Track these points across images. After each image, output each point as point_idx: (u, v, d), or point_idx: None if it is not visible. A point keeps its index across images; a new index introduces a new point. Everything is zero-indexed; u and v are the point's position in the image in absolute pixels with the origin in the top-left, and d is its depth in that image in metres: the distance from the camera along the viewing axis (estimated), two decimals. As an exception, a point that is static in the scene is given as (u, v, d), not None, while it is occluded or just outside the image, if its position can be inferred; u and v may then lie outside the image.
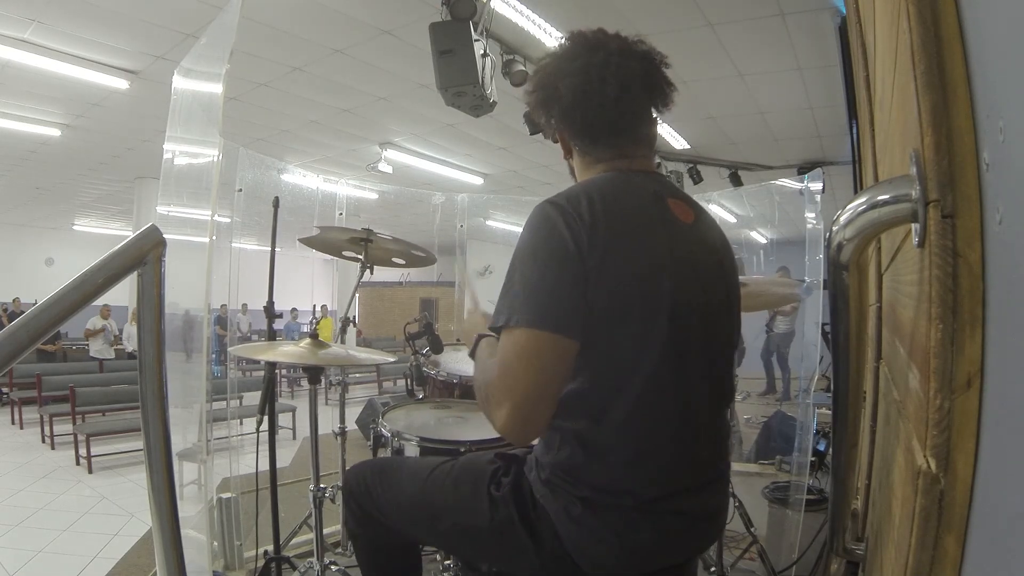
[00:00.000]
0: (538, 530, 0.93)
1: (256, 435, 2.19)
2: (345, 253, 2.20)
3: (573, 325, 0.85)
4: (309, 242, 2.17)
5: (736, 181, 6.64)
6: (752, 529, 2.44)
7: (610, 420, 0.88)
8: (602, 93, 0.95)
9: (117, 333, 8.52)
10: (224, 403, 3.11)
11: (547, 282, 0.86)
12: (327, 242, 2.19)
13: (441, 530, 1.04)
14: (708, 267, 1.00)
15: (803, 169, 6.24)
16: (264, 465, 2.25)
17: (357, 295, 2.34)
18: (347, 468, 1.28)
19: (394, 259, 2.25)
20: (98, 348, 8.36)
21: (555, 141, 1.08)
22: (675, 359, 0.90)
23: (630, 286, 0.88)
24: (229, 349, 3.25)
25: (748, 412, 5.97)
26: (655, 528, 0.90)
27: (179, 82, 2.60)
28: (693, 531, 0.96)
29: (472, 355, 1.07)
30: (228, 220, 3.09)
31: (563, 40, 1.03)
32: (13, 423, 6.73)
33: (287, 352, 1.85)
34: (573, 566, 0.90)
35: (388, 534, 1.18)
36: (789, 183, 3.99)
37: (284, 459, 4.57)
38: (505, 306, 0.87)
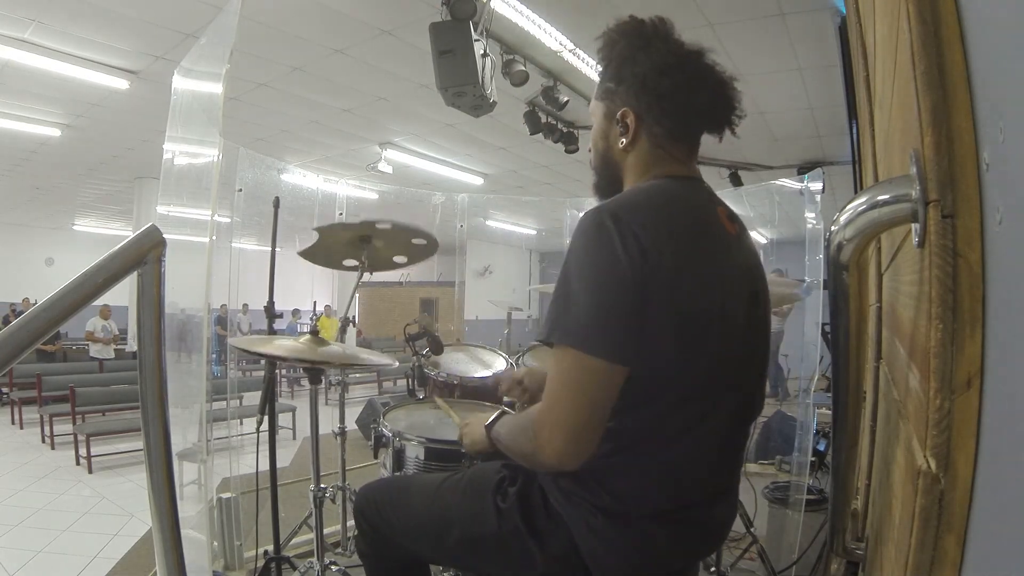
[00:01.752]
0: (548, 538, 0.92)
1: (256, 435, 2.19)
2: (346, 263, 2.17)
3: (624, 350, 0.81)
4: (309, 256, 2.14)
5: (736, 181, 6.64)
6: (752, 529, 2.44)
7: (646, 431, 0.87)
8: (708, 99, 0.96)
9: (116, 333, 8.52)
10: (224, 403, 3.12)
11: (601, 304, 0.82)
12: (327, 253, 2.16)
13: (450, 544, 1.04)
14: (753, 278, 0.97)
15: (803, 169, 6.23)
16: (264, 465, 2.25)
17: (357, 295, 2.34)
18: (358, 488, 1.27)
19: (395, 258, 2.23)
20: (98, 348, 8.37)
21: (620, 125, 0.99)
22: (720, 372, 0.89)
23: (687, 303, 0.84)
24: (229, 341, 3.25)
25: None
26: (670, 537, 0.90)
27: (179, 82, 2.60)
28: (704, 540, 0.97)
29: (493, 441, 1.04)
30: (228, 220, 3.09)
31: (670, 30, 0.97)
32: (13, 423, 6.72)
33: (286, 346, 1.84)
34: (583, 572, 0.91)
35: (399, 554, 1.18)
36: (789, 183, 3.99)
37: (284, 459, 4.56)
38: (556, 316, 0.84)
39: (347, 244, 2.09)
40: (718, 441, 0.92)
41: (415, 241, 2.16)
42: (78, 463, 5.08)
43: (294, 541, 2.65)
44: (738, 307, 0.91)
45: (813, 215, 3.12)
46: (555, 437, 0.82)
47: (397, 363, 2.04)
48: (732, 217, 1.00)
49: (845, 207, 0.64)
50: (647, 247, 0.81)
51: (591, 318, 0.82)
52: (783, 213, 4.51)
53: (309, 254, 2.14)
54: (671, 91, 0.93)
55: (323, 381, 2.04)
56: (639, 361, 0.82)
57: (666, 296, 0.82)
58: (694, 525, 0.92)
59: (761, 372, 1.01)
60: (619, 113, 0.98)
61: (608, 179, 1.05)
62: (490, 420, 1.06)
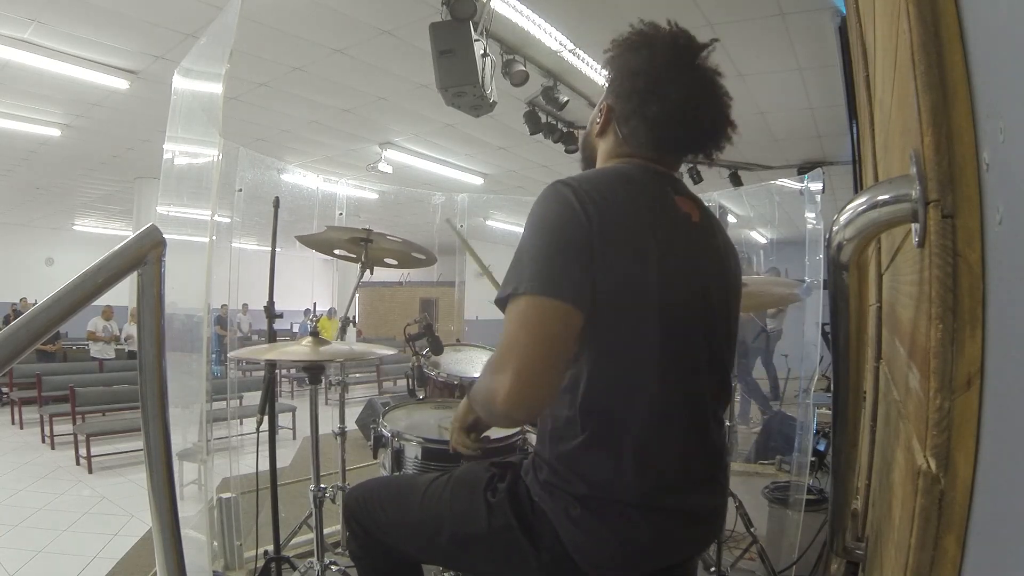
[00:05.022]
0: (537, 533, 0.93)
1: (256, 435, 2.19)
2: (337, 252, 2.19)
3: (578, 294, 0.83)
4: (306, 240, 2.17)
5: (736, 181, 6.64)
6: (752, 529, 2.44)
7: (612, 413, 0.89)
8: (688, 122, 0.98)
9: (116, 333, 8.52)
10: (224, 403, 3.12)
11: (554, 251, 0.85)
12: (323, 241, 2.19)
13: (442, 543, 1.04)
14: (712, 267, 1.01)
15: (803, 169, 6.24)
16: (264, 465, 2.25)
17: (357, 295, 2.34)
18: (347, 489, 1.27)
19: (386, 260, 2.23)
20: (99, 348, 8.37)
21: (599, 117, 1.05)
22: (678, 355, 0.90)
23: (632, 278, 0.88)
24: (230, 354, 3.25)
25: (749, 412, 5.97)
26: (653, 527, 0.90)
27: (179, 82, 2.60)
28: (692, 531, 0.96)
29: (473, 403, 1.04)
30: (228, 220, 3.09)
31: (683, 38, 1.00)
32: (13, 423, 6.72)
33: (288, 352, 1.85)
34: (574, 567, 0.91)
35: (391, 555, 1.18)
36: (789, 183, 3.99)
37: (284, 459, 4.57)
38: (511, 277, 0.86)
39: (347, 241, 2.10)
40: (686, 428, 0.93)
41: (415, 254, 2.18)
42: (78, 463, 5.08)
43: (294, 541, 2.65)
44: (688, 293, 0.93)
45: (813, 215, 3.12)
46: (508, 379, 0.81)
47: (393, 351, 2.05)
48: (701, 208, 1.03)
49: (845, 207, 0.64)
50: (598, 207, 0.87)
51: (546, 264, 0.84)
52: (783, 213, 4.52)
53: (307, 240, 2.17)
54: (629, 94, 0.98)
55: (323, 381, 2.04)
56: (593, 311, 0.85)
57: (605, 256, 0.86)
58: (676, 514, 0.91)
59: (727, 357, 1.02)
60: (602, 103, 1.06)
61: (585, 158, 1.14)
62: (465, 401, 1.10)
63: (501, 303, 0.87)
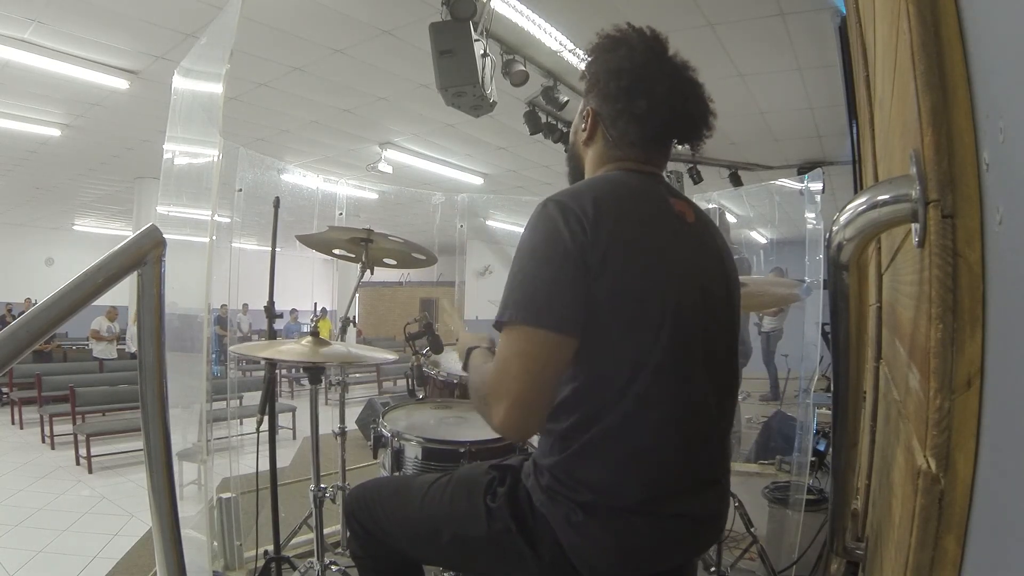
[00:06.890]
0: (537, 538, 0.93)
1: (256, 435, 2.19)
2: (336, 252, 2.19)
3: (570, 322, 0.85)
4: (306, 240, 2.17)
5: (736, 181, 6.63)
6: (752, 529, 2.44)
7: (612, 418, 0.88)
8: (677, 112, 0.98)
9: (119, 335, 8.52)
10: (224, 403, 3.12)
11: (545, 279, 0.86)
12: (323, 240, 2.19)
13: (442, 545, 1.04)
14: (711, 266, 1.00)
15: (803, 169, 6.23)
16: (264, 465, 2.25)
17: (357, 295, 2.34)
18: (348, 489, 1.27)
19: (386, 260, 2.23)
20: (101, 348, 8.37)
21: (584, 123, 1.05)
22: (678, 358, 0.89)
23: (634, 284, 0.88)
24: (230, 348, 3.25)
25: (748, 412, 5.97)
26: (655, 531, 0.89)
27: (179, 82, 2.60)
28: (693, 534, 0.95)
29: (465, 367, 1.09)
30: (228, 220, 3.09)
31: (651, 33, 1.00)
32: (13, 423, 6.72)
33: (288, 350, 1.85)
34: (573, 570, 0.90)
35: (392, 555, 1.18)
36: (789, 183, 4.00)
37: (284, 459, 4.57)
38: (504, 302, 0.89)
39: (348, 241, 2.10)
40: (689, 431, 0.92)
41: (415, 255, 2.18)
42: (78, 463, 5.08)
43: (294, 541, 2.65)
44: (688, 294, 0.92)
45: (813, 215, 3.13)
46: (501, 407, 0.86)
47: (394, 357, 2.05)
48: (695, 211, 1.03)
49: (845, 207, 0.64)
50: (587, 223, 0.87)
51: (535, 292, 0.86)
52: (783, 213, 4.52)
53: (307, 240, 2.16)
54: (615, 94, 0.98)
55: (323, 381, 2.04)
56: (586, 334, 0.86)
57: (605, 268, 0.86)
58: (679, 518, 0.91)
59: (731, 358, 1.01)
60: (585, 110, 1.05)
61: (573, 169, 1.13)
62: (473, 349, 1.09)
63: (498, 327, 0.90)
